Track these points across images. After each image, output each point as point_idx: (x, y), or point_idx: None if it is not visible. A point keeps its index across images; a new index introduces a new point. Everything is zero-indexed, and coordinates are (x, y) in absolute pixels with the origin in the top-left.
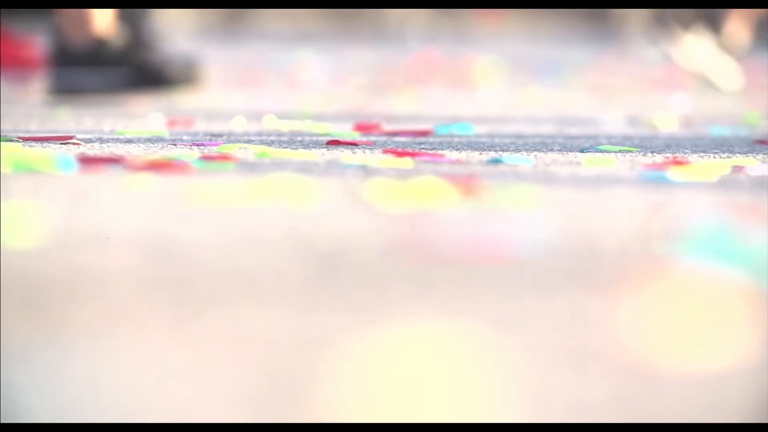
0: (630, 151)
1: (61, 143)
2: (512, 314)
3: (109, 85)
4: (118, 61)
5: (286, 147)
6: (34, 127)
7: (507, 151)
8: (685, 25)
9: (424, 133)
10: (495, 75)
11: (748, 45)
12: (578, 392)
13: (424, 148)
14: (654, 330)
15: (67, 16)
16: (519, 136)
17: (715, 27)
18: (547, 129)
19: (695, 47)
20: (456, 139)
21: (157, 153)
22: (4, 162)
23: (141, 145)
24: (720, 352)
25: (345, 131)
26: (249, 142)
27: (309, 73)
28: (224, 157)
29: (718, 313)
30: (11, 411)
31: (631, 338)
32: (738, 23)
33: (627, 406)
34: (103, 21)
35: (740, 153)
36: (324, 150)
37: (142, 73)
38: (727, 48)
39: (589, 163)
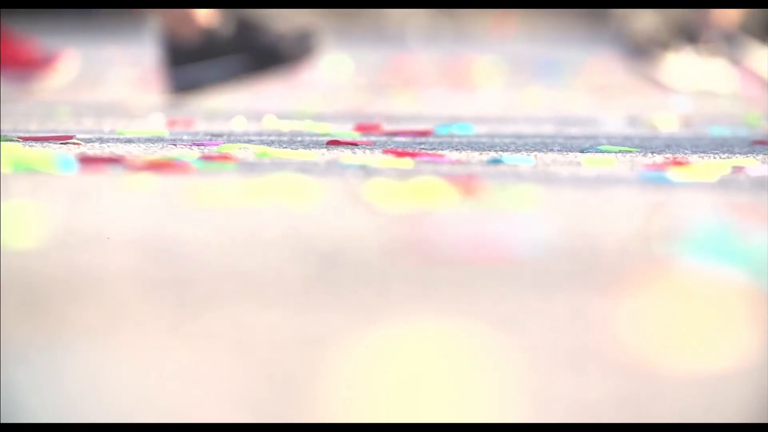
0: (630, 152)
1: (61, 143)
2: (512, 314)
3: (228, 75)
4: (231, 49)
5: (286, 147)
6: (34, 127)
7: (507, 151)
8: (664, 46)
9: (424, 133)
10: (495, 75)
11: (732, 46)
12: (578, 392)
13: (424, 148)
14: (654, 330)
15: (171, 15)
16: (519, 136)
17: (693, 38)
18: (547, 129)
19: (681, 65)
20: (456, 139)
21: (157, 153)
22: (4, 162)
23: (141, 145)
24: (720, 352)
25: (345, 131)
26: (249, 142)
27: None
28: (224, 157)
29: (718, 313)
30: (11, 411)
31: (631, 338)
32: (716, 28)
33: (627, 406)
34: (207, 12)
35: (740, 153)
36: (324, 150)
37: (257, 56)
38: (712, 54)
39: (589, 164)
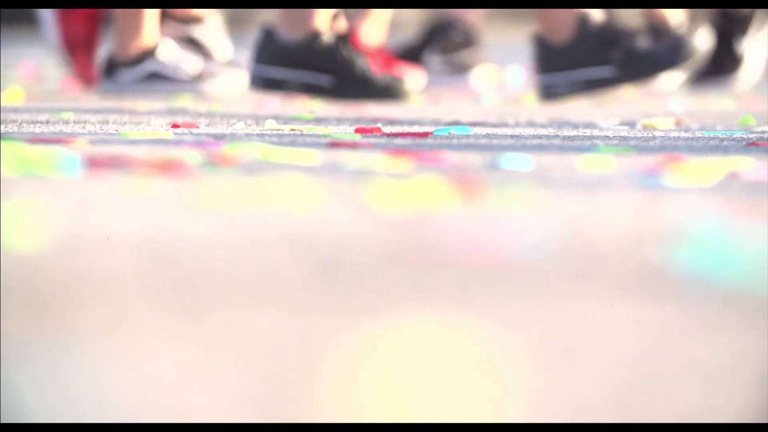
0: (627, 153)
1: (65, 145)
2: (512, 316)
3: (309, 86)
4: (322, 65)
5: (287, 149)
6: (38, 129)
7: (506, 153)
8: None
9: (423, 136)
10: (495, 76)
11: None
12: (578, 392)
13: (423, 150)
14: (653, 330)
15: (284, 13)
16: (518, 138)
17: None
18: (546, 131)
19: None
20: (455, 142)
21: (161, 155)
22: (8, 164)
23: (144, 147)
24: (720, 352)
25: (345, 133)
26: (251, 143)
27: None
28: (226, 159)
29: (716, 314)
30: (11, 411)
31: (631, 339)
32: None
33: (627, 406)
34: (318, 21)
35: (736, 155)
36: (325, 152)
37: (343, 79)
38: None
39: (587, 165)
